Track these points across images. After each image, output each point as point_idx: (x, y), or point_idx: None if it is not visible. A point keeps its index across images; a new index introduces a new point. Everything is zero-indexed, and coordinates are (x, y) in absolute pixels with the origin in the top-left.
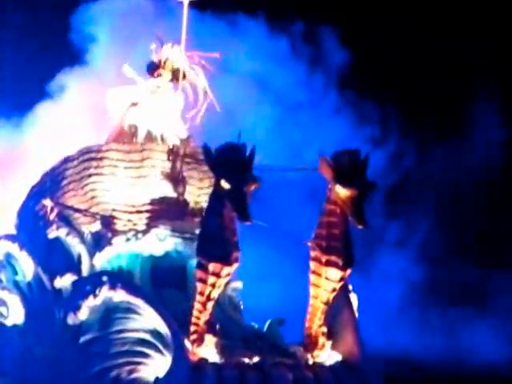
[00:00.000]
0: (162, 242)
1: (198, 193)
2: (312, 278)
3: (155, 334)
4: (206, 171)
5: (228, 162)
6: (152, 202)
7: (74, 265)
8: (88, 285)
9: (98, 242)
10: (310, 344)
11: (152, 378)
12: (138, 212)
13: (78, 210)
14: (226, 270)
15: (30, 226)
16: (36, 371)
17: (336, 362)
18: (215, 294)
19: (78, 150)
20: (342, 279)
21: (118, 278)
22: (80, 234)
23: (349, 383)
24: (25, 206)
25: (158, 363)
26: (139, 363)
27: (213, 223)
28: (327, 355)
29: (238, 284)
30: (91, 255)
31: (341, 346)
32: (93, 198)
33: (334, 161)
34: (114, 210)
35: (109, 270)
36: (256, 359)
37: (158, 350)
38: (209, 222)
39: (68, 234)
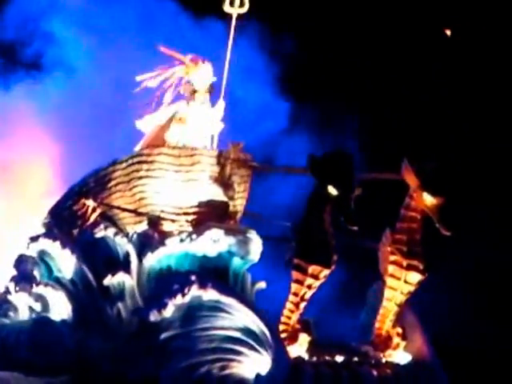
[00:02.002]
0: (217, 243)
1: (235, 196)
2: (389, 280)
3: (247, 331)
4: (243, 176)
5: (335, 169)
6: (199, 205)
7: (122, 264)
8: (175, 283)
9: (144, 242)
10: (381, 343)
11: (247, 375)
12: (185, 214)
13: (126, 210)
14: (325, 272)
15: (67, 225)
16: (96, 365)
17: (409, 362)
18: (309, 295)
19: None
20: (419, 283)
21: (207, 277)
22: (127, 234)
23: (423, 383)
24: (61, 205)
25: (254, 361)
26: (231, 360)
27: (314, 227)
28: (399, 355)
29: (262, 284)
30: (139, 254)
31: (409, 346)
32: (141, 200)
33: (417, 167)
34: (162, 211)
35: (158, 269)
36: (341, 358)
37: (252, 348)
38: (310, 226)
39: (116, 234)
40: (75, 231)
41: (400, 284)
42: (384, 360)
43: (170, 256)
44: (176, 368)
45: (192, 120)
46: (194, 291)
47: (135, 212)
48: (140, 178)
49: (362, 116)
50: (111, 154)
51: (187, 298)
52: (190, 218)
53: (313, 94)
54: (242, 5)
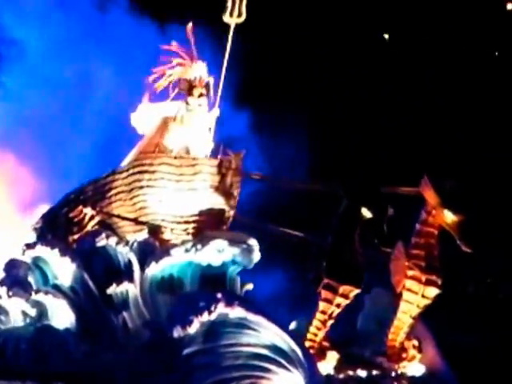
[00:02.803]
0: (221, 253)
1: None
2: (406, 294)
3: (274, 349)
4: (237, 182)
5: (369, 191)
6: (199, 213)
7: (124, 272)
8: (201, 301)
9: (145, 251)
10: (395, 355)
11: None
12: (186, 222)
13: (126, 219)
14: (355, 291)
15: (62, 231)
16: (110, 378)
17: (424, 374)
18: (336, 313)
19: (128, 162)
20: (436, 297)
21: (233, 295)
22: (127, 243)
23: None
24: (54, 211)
25: (284, 379)
26: (260, 377)
27: (346, 248)
28: (414, 367)
29: (250, 286)
30: (141, 263)
31: (423, 358)
32: (142, 209)
33: (436, 185)
34: (163, 220)
35: (160, 277)
36: (363, 372)
37: (281, 366)
38: (341, 247)
39: (118, 243)
40: (70, 238)
41: (417, 298)
42: (400, 372)
43: (173, 265)
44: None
45: (191, 121)
46: (221, 309)
47: (136, 221)
48: (141, 187)
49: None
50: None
51: (213, 316)
52: (190, 226)
53: (269, 103)
54: (239, 15)
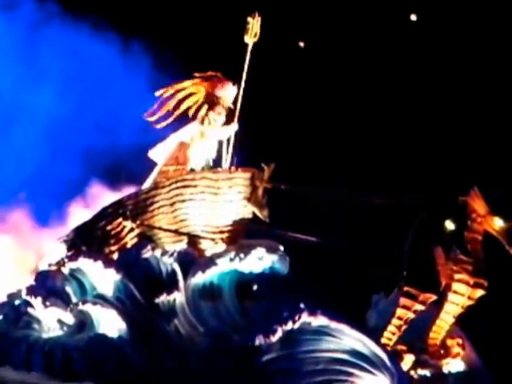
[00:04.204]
0: (261, 260)
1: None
2: (451, 296)
3: (355, 354)
4: None
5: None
6: (232, 224)
7: (170, 282)
8: (285, 311)
9: (187, 261)
10: (437, 353)
11: None
12: (221, 232)
13: (168, 231)
14: (433, 299)
15: (98, 244)
16: (170, 380)
17: (466, 370)
18: (411, 319)
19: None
20: (479, 299)
21: (315, 304)
22: (172, 254)
23: None
24: (89, 224)
25: (370, 382)
26: (343, 381)
27: (424, 258)
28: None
29: None
30: (184, 273)
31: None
32: (182, 221)
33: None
34: (202, 231)
35: (201, 284)
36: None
37: (364, 370)
38: (420, 257)
39: (163, 254)
40: (107, 250)
41: (463, 299)
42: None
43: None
44: None
45: (212, 135)
46: (305, 318)
47: (177, 232)
48: (183, 201)
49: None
50: None
51: (297, 325)
52: (225, 236)
53: None
54: (255, 35)
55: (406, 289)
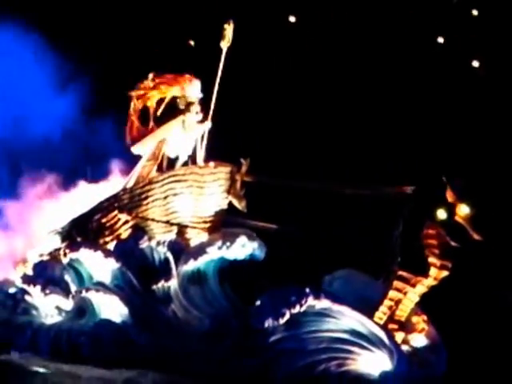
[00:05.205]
0: (244, 247)
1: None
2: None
3: (354, 333)
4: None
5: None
6: (214, 214)
7: (164, 269)
8: (293, 296)
9: (174, 249)
10: (403, 328)
11: (363, 371)
12: (204, 222)
13: (161, 222)
14: (422, 281)
15: (93, 235)
16: (175, 360)
17: (427, 345)
18: (400, 299)
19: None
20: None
21: (319, 288)
22: (164, 243)
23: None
24: (86, 217)
25: (369, 359)
26: (346, 358)
27: (416, 243)
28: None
29: None
30: (176, 261)
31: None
32: (173, 213)
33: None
34: (190, 221)
35: (190, 272)
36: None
37: (363, 348)
38: (412, 243)
39: (158, 244)
40: (101, 240)
41: (429, 281)
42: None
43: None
44: (292, 368)
45: (190, 131)
46: (310, 301)
47: (169, 223)
48: (175, 194)
49: None
50: None
51: (303, 308)
52: (207, 226)
53: None
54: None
55: (399, 273)
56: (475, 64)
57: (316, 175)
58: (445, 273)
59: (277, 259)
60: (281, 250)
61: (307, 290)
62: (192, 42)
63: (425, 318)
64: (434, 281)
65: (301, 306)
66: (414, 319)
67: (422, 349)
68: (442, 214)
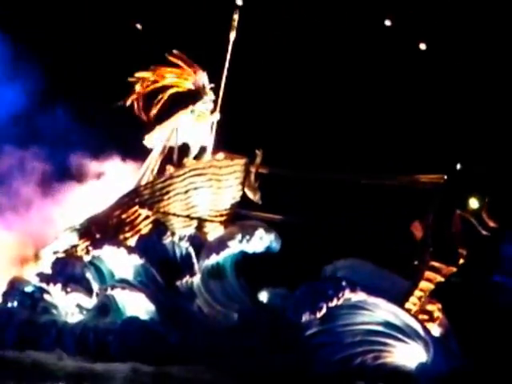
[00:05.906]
0: (262, 240)
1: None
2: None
3: (388, 325)
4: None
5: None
6: (230, 207)
7: (187, 265)
8: (330, 289)
9: (198, 245)
10: (433, 319)
11: (399, 363)
12: (221, 215)
13: (183, 216)
14: (453, 271)
15: (113, 231)
16: (222, 359)
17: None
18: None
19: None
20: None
21: (354, 281)
22: (186, 238)
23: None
24: (105, 214)
25: (404, 350)
26: (381, 351)
27: (448, 235)
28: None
29: None
30: (197, 255)
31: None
32: (193, 207)
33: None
34: (208, 215)
35: (210, 266)
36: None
37: (397, 339)
38: (444, 235)
39: (181, 239)
40: (122, 236)
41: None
42: None
43: None
44: (329, 362)
45: (202, 120)
46: (347, 294)
47: (190, 217)
48: (196, 188)
49: None
50: None
51: (340, 301)
52: (223, 219)
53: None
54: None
55: (432, 263)
56: None
57: (341, 167)
58: (453, 269)
59: (291, 251)
60: (296, 242)
61: (343, 282)
62: (139, 26)
63: (439, 306)
64: (441, 277)
65: (338, 299)
66: (430, 307)
67: (441, 338)
68: (473, 203)
